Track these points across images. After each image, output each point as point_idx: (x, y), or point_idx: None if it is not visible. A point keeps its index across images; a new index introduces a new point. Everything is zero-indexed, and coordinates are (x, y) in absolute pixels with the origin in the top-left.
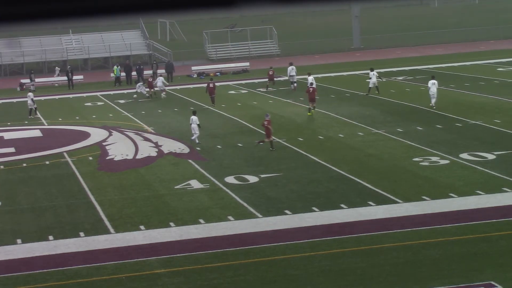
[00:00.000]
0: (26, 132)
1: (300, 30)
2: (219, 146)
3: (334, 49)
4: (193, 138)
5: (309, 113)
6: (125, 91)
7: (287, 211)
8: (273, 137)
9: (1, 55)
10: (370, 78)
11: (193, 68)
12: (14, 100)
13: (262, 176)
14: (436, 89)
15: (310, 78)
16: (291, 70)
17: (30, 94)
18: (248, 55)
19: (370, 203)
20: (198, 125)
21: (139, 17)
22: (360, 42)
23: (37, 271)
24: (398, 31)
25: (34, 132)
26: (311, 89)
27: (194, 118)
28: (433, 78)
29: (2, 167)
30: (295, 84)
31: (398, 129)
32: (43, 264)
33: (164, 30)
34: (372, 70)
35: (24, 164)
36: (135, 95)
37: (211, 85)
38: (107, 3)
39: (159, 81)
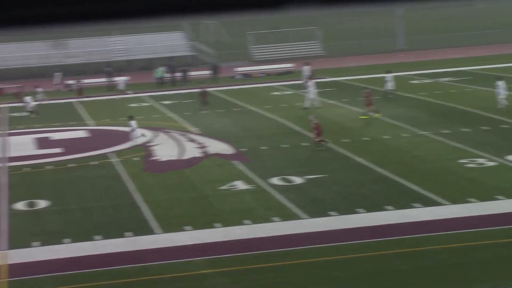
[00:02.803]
0: (74, 132)
1: (343, 31)
2: (264, 147)
3: (378, 50)
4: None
5: (364, 116)
6: (169, 92)
7: (331, 213)
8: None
9: (48, 56)
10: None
11: (237, 69)
12: (61, 101)
13: (307, 177)
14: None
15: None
16: (307, 70)
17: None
18: (292, 56)
19: (415, 205)
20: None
21: (183, 18)
22: (404, 43)
23: (85, 271)
24: (443, 31)
25: (81, 133)
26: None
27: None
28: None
29: (50, 167)
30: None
31: (444, 131)
32: (90, 263)
33: (208, 32)
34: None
35: (72, 165)
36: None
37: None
38: (151, 4)
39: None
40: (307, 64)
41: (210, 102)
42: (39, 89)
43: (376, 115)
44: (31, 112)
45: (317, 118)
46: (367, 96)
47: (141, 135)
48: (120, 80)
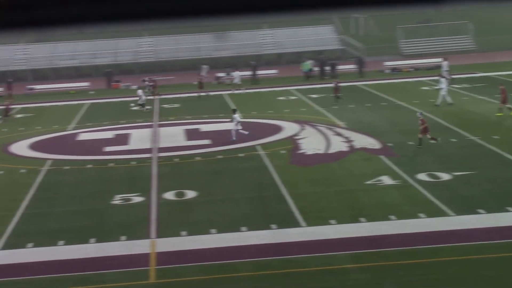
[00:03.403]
0: (222, 124)
1: (498, 25)
2: (411, 143)
3: None
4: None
5: (500, 114)
6: (317, 86)
7: (480, 210)
8: (428, 135)
9: (198, 49)
10: (441, 87)
11: (386, 63)
12: (212, 93)
13: (455, 173)
14: None
15: None
16: (445, 65)
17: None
18: (443, 50)
19: None
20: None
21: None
22: None
23: (229, 261)
24: None
25: (230, 125)
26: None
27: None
28: None
29: (199, 158)
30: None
31: None
32: (235, 254)
33: (358, 25)
34: (441, 76)
35: (219, 156)
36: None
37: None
38: None
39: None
40: (445, 59)
41: (342, 97)
42: (146, 83)
43: (501, 114)
44: (142, 105)
45: (423, 114)
46: (502, 93)
47: (243, 129)
48: (236, 75)
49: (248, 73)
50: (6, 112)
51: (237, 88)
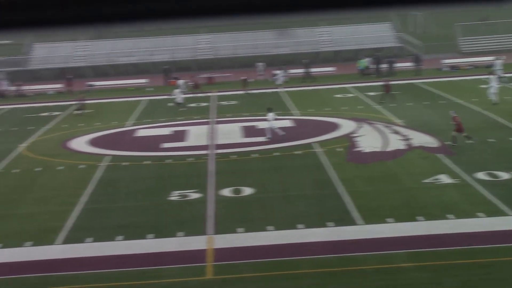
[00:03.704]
0: (279, 122)
1: None
2: (469, 141)
3: None
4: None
5: None
6: (374, 84)
7: None
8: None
9: (255, 46)
10: (492, 85)
11: (443, 61)
12: (269, 91)
13: None
14: None
15: None
16: (498, 64)
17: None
18: (502, 48)
19: None
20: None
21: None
22: None
23: (286, 258)
24: None
25: (286, 122)
26: None
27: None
28: None
29: (256, 155)
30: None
31: None
32: (292, 252)
33: (416, 23)
34: (492, 73)
35: (276, 153)
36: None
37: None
38: None
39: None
40: (498, 58)
41: (394, 95)
42: (181, 81)
43: None
44: (179, 104)
45: (456, 113)
46: None
47: (277, 128)
48: (279, 73)
49: (300, 70)
50: (82, 106)
51: (278, 86)
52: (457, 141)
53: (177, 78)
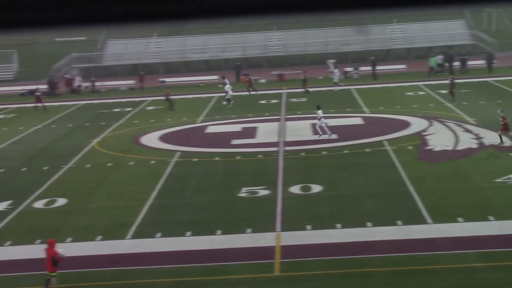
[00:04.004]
0: (349, 119)
1: None
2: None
3: None
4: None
5: None
6: (446, 81)
7: None
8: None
9: (326, 43)
10: None
11: None
12: (338, 88)
13: None
14: None
15: None
16: None
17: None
18: None
19: None
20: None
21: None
22: None
23: (355, 256)
24: None
25: (356, 120)
26: None
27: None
28: None
29: (325, 153)
30: None
31: None
32: (361, 250)
33: (490, 20)
34: None
35: (346, 151)
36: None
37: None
38: None
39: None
40: None
41: (457, 93)
42: (226, 80)
43: None
44: (229, 100)
45: (503, 111)
46: None
47: (323, 125)
48: (336, 71)
49: (367, 68)
50: (170, 101)
51: (337, 84)
52: (502, 140)
53: (247, 75)
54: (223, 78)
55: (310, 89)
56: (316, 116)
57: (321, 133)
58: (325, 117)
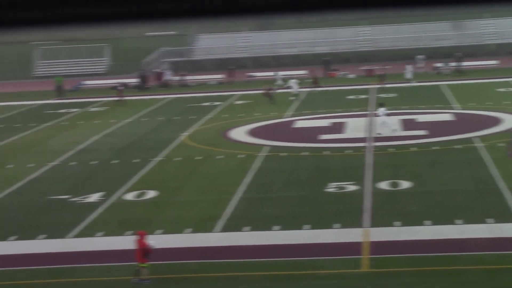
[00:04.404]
0: (439, 115)
1: None
2: None
3: None
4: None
5: None
6: None
7: None
8: None
9: (417, 38)
10: None
11: None
12: (427, 84)
13: None
14: None
15: None
16: None
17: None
18: None
19: None
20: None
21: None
22: None
23: (444, 254)
24: None
25: (446, 116)
26: None
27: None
28: None
29: (414, 149)
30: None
31: None
32: (450, 247)
33: None
34: None
35: (435, 147)
36: None
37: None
38: None
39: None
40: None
41: None
42: (279, 75)
43: None
44: (296, 95)
45: None
46: None
47: (386, 122)
48: (408, 68)
49: (452, 64)
50: (269, 95)
51: (409, 81)
52: None
53: (336, 70)
54: (277, 73)
55: (399, 85)
56: (378, 114)
57: (393, 128)
58: (390, 115)
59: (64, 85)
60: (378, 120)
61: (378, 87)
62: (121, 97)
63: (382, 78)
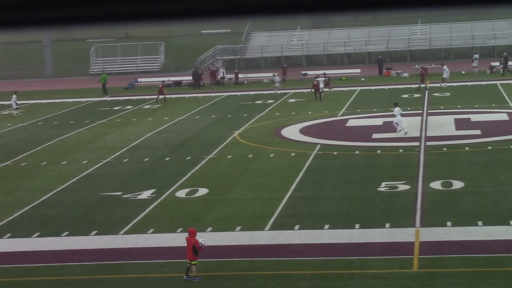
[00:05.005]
0: (493, 115)
1: None
2: None
3: None
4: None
5: None
6: None
7: None
8: None
9: (473, 37)
10: None
11: None
12: (483, 83)
13: None
14: None
15: None
16: None
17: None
18: None
19: None
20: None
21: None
22: None
23: (497, 255)
24: None
25: (502, 116)
26: None
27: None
28: None
29: (468, 148)
30: None
31: None
32: (504, 248)
33: None
34: None
35: (489, 147)
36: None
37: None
38: None
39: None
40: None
41: None
42: (304, 74)
43: None
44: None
45: None
46: None
47: (401, 123)
48: (445, 68)
49: (496, 64)
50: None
51: (444, 81)
52: None
53: (389, 69)
54: (275, 75)
55: (451, 84)
56: (394, 113)
57: (400, 128)
58: (404, 115)
59: (107, 83)
60: (394, 119)
61: (429, 86)
62: (162, 95)
63: (422, 77)
